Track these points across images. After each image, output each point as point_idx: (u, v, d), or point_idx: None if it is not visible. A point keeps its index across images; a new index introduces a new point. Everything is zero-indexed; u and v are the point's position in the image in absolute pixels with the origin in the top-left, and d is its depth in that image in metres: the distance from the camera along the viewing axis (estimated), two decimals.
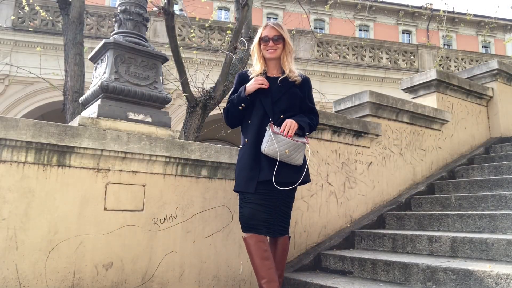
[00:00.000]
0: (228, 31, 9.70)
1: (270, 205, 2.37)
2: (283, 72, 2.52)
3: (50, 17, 10.27)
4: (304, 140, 2.42)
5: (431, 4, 12.92)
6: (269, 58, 2.50)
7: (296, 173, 2.42)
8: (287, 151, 2.32)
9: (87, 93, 2.91)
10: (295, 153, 2.36)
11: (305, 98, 2.53)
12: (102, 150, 2.51)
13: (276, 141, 2.30)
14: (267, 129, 2.36)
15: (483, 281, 2.15)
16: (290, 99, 2.46)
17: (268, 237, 2.46)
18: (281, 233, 2.46)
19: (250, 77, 2.51)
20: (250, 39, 6.22)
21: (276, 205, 2.40)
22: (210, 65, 7.85)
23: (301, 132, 2.43)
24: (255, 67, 2.54)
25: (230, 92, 2.62)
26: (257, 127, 2.42)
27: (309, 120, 2.50)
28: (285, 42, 2.48)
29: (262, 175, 2.35)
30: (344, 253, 3.10)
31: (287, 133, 2.31)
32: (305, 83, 2.55)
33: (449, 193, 3.97)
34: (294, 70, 2.50)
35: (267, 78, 2.48)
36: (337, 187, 3.71)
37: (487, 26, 20.49)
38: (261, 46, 2.50)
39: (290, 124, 2.34)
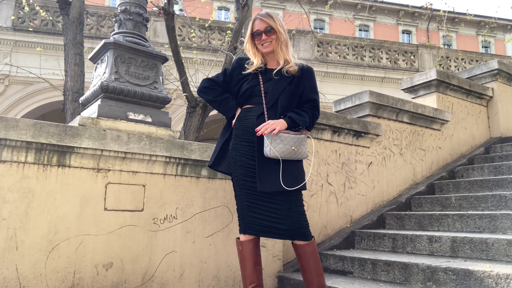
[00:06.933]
0: (228, 31, 9.69)
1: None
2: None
3: (50, 17, 10.27)
4: (304, 133, 2.32)
5: (431, 4, 12.92)
6: (266, 52, 2.39)
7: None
8: (293, 147, 2.23)
9: (87, 93, 2.91)
10: (300, 147, 2.27)
11: (304, 89, 2.40)
12: (102, 150, 2.51)
13: (280, 140, 2.20)
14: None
15: (483, 281, 2.15)
16: (286, 97, 2.34)
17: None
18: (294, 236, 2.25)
19: (245, 71, 2.40)
20: None
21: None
22: (210, 65, 7.86)
23: (297, 127, 2.32)
24: (253, 61, 2.42)
25: (222, 70, 2.52)
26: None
27: (306, 115, 2.36)
28: (277, 32, 2.35)
29: (268, 185, 2.20)
30: (344, 253, 3.10)
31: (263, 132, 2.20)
32: (305, 73, 2.41)
33: (449, 193, 3.97)
34: (290, 60, 2.37)
35: (266, 70, 2.40)
36: (337, 187, 3.71)
37: (487, 26, 20.50)
38: (255, 41, 2.40)
39: (267, 125, 2.21)
